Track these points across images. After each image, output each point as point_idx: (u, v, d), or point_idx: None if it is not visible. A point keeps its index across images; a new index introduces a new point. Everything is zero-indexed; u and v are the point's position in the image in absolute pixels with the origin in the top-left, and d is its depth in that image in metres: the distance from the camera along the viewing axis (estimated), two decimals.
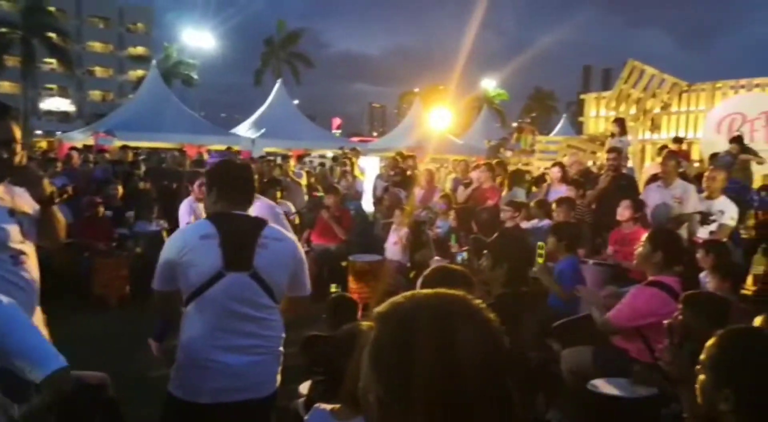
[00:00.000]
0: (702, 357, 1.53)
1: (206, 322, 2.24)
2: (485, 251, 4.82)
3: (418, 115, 20.86)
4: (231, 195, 2.38)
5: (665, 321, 2.42)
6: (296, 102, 27.54)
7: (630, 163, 9.58)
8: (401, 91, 71.31)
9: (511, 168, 8.82)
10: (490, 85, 48.35)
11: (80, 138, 16.14)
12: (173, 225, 6.36)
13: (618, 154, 6.65)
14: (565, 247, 4.76)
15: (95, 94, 61.79)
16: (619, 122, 8.98)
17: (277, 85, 20.51)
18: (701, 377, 1.50)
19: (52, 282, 3.10)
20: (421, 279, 2.36)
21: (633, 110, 11.28)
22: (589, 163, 10.44)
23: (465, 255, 4.02)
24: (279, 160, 13.23)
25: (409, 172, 8.65)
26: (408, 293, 0.81)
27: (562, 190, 6.63)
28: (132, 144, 14.21)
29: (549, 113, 57.87)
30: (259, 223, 2.37)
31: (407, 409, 0.72)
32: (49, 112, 57.07)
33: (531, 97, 61.52)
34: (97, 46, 61.74)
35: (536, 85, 64.02)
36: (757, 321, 2.10)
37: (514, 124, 32.12)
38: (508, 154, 13.53)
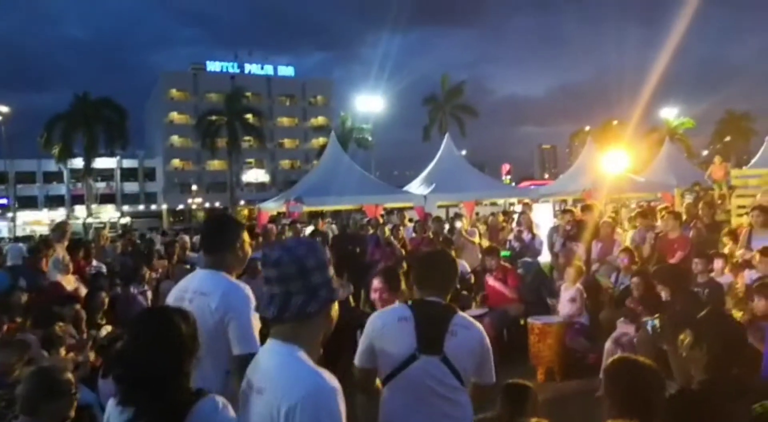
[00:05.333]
0: None
1: (403, 402, 2.42)
2: (681, 324, 4.31)
3: (592, 155, 19.88)
4: (426, 283, 2.61)
5: None
6: (464, 152, 28.03)
7: None
8: (571, 130, 68.62)
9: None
10: (670, 113, 44.56)
11: (274, 206, 18.14)
12: (357, 289, 6.69)
13: None
14: None
15: (285, 163, 70.19)
16: None
17: (444, 141, 21.10)
18: None
19: None
20: (603, 373, 2.29)
21: None
22: None
23: (656, 322, 3.53)
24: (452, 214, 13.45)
25: (589, 222, 8.24)
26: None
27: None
28: (317, 209, 15.65)
29: (747, 137, 50.75)
30: (451, 311, 2.54)
31: None
32: (249, 183, 65.68)
33: (722, 121, 54.67)
34: (285, 120, 70.79)
35: (728, 108, 56.46)
36: None
37: (705, 152, 28.92)
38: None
